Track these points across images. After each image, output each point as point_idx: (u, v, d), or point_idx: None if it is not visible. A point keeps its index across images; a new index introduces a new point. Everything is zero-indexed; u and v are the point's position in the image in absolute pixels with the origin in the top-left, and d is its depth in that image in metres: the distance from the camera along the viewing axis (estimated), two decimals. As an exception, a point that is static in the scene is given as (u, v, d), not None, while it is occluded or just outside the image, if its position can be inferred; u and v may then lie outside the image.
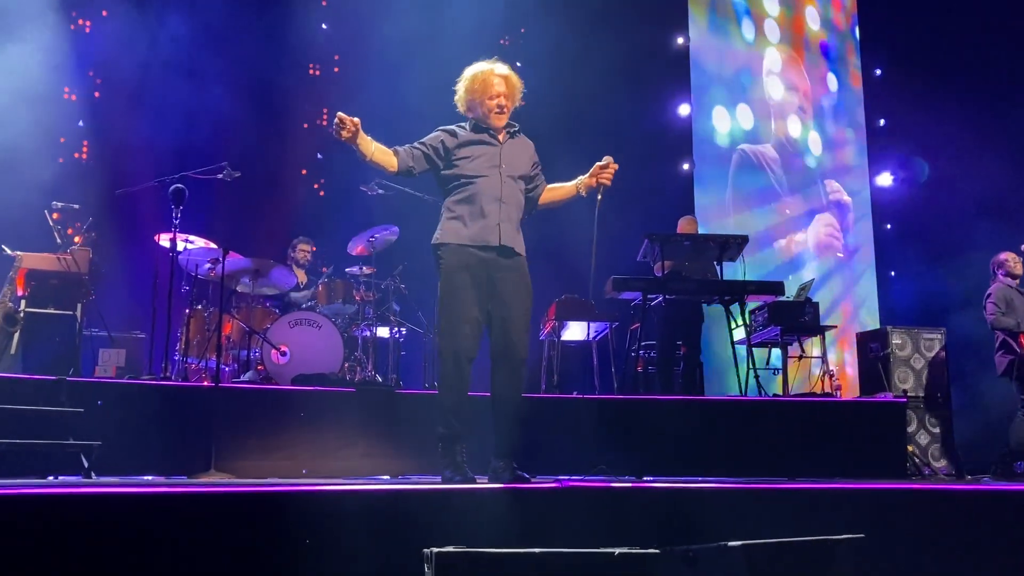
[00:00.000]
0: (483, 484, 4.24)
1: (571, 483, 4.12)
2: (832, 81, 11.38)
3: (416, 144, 4.29)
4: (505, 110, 4.27)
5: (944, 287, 9.56)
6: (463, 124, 4.36)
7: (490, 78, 4.26)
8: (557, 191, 4.47)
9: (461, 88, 4.32)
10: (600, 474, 4.96)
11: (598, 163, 4.37)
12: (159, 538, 3.38)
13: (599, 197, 4.38)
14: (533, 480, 4.31)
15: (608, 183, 4.35)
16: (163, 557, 3.36)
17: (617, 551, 3.03)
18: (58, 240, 6.47)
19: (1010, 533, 4.32)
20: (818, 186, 11.11)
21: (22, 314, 5.99)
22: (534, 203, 4.46)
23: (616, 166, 4.37)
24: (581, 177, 4.42)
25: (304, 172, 9.65)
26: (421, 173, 4.33)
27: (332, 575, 3.50)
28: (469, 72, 4.32)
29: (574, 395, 6.99)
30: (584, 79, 9.72)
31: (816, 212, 11.03)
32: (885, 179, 11.19)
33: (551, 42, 10.11)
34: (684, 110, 10.88)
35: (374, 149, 4.20)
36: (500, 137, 4.32)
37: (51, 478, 4.46)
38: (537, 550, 3.01)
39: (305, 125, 9.67)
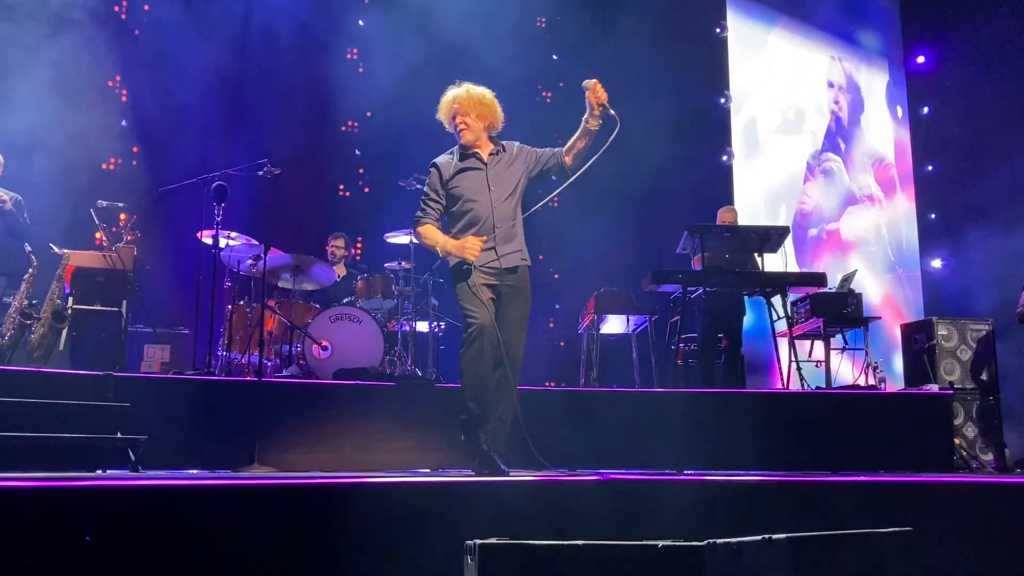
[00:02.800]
0: (520, 476, 4.24)
1: (612, 476, 4.11)
2: (877, 66, 11.19)
3: (427, 201, 4.53)
4: (468, 125, 4.44)
5: (993, 276, 9.37)
6: (452, 151, 4.57)
7: (448, 104, 4.48)
8: (576, 143, 4.55)
9: (443, 117, 4.56)
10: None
11: (585, 91, 4.43)
12: (205, 530, 3.43)
13: (612, 112, 4.44)
14: (574, 473, 4.30)
15: (603, 98, 4.40)
16: (208, 549, 3.40)
17: (661, 544, 3.01)
18: (103, 238, 6.58)
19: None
20: (859, 176, 10.95)
21: (69, 311, 6.10)
22: (568, 169, 4.57)
23: (594, 80, 4.42)
24: (584, 117, 4.45)
25: (346, 177, 9.69)
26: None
27: (374, 567, 3.52)
28: (440, 105, 4.54)
29: (614, 388, 6.97)
30: (619, 71, 9.66)
31: (856, 202, 10.87)
32: (930, 168, 11.00)
33: (585, 33, 10.08)
34: (722, 102, 10.78)
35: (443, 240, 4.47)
36: (485, 159, 4.49)
37: (99, 472, 4.53)
38: (580, 542, 3.00)
39: (350, 123, 9.69)
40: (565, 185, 4.63)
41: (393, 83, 9.20)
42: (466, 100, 4.45)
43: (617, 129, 4.37)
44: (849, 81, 11.10)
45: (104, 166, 8.45)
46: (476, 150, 4.50)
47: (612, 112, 4.39)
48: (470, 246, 4.33)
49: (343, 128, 9.68)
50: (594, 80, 4.40)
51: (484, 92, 4.53)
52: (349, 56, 9.73)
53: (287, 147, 8.41)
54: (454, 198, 4.48)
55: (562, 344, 10.09)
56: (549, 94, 10.49)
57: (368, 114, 9.69)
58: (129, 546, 3.30)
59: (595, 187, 9.78)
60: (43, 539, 3.19)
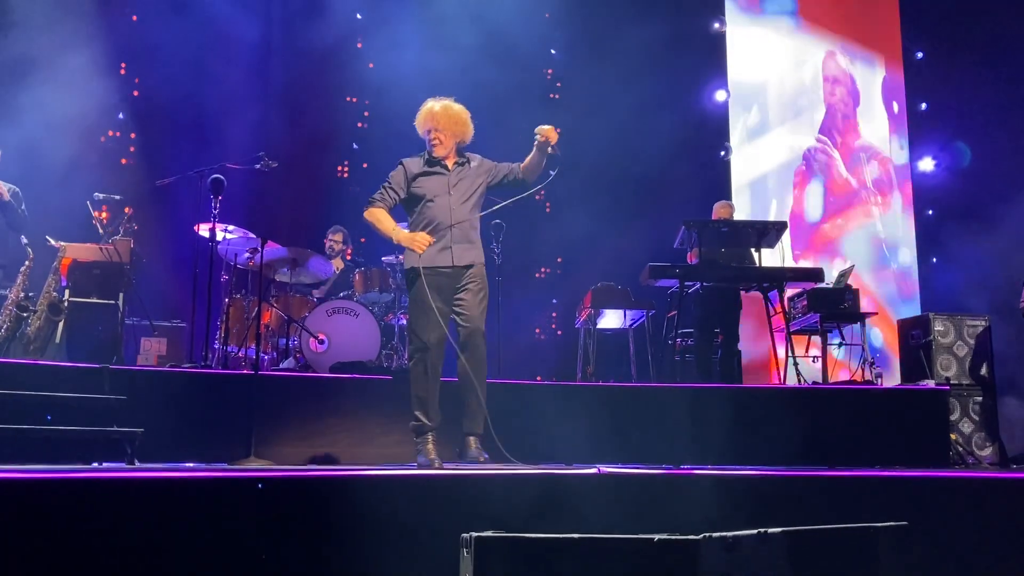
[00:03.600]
0: (521, 470, 4.25)
1: (609, 470, 4.11)
2: (874, 61, 11.16)
3: (386, 189, 4.84)
4: (441, 142, 4.75)
5: (988, 273, 9.37)
6: (422, 154, 4.85)
7: (425, 117, 4.79)
8: (529, 161, 4.89)
9: (419, 127, 4.84)
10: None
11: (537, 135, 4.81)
12: (201, 523, 3.43)
13: (558, 152, 4.84)
14: (571, 467, 4.31)
15: (553, 140, 4.78)
16: (205, 541, 3.40)
17: (657, 537, 3.01)
18: (100, 231, 6.57)
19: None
20: (858, 170, 10.93)
21: (66, 303, 6.09)
22: (522, 183, 4.93)
23: (548, 127, 4.80)
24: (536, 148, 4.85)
25: (344, 169, 9.68)
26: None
27: (371, 560, 3.53)
28: (422, 109, 4.83)
29: (611, 383, 6.98)
30: (618, 66, 9.68)
31: (852, 196, 10.85)
32: (927, 164, 10.98)
33: (583, 28, 10.08)
34: (720, 96, 10.77)
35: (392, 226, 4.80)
36: (449, 166, 4.80)
37: (95, 464, 4.53)
38: (576, 535, 3.00)
39: (347, 100, 9.66)
40: (518, 197, 4.98)
41: (393, 77, 9.19)
42: (443, 118, 4.75)
43: (557, 169, 4.92)
44: (846, 76, 11.08)
45: (101, 157, 8.42)
46: (444, 160, 4.80)
47: (558, 152, 4.85)
48: (420, 240, 4.63)
49: (342, 116, 9.65)
50: (549, 127, 4.79)
51: (460, 111, 4.83)
52: (351, 48, 9.71)
53: (285, 140, 8.40)
54: (416, 198, 4.77)
55: (560, 333, 10.10)
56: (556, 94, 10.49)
57: (366, 114, 9.68)
58: (126, 539, 3.30)
59: (592, 182, 9.88)
60: (39, 531, 3.19)
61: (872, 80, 11.16)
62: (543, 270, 10.17)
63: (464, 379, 4.73)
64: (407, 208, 4.89)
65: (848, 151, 10.96)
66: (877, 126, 11.09)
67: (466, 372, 4.70)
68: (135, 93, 8.79)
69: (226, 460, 5.16)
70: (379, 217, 4.77)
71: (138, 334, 6.92)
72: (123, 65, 8.71)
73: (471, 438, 4.70)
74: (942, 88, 10.77)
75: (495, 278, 7.01)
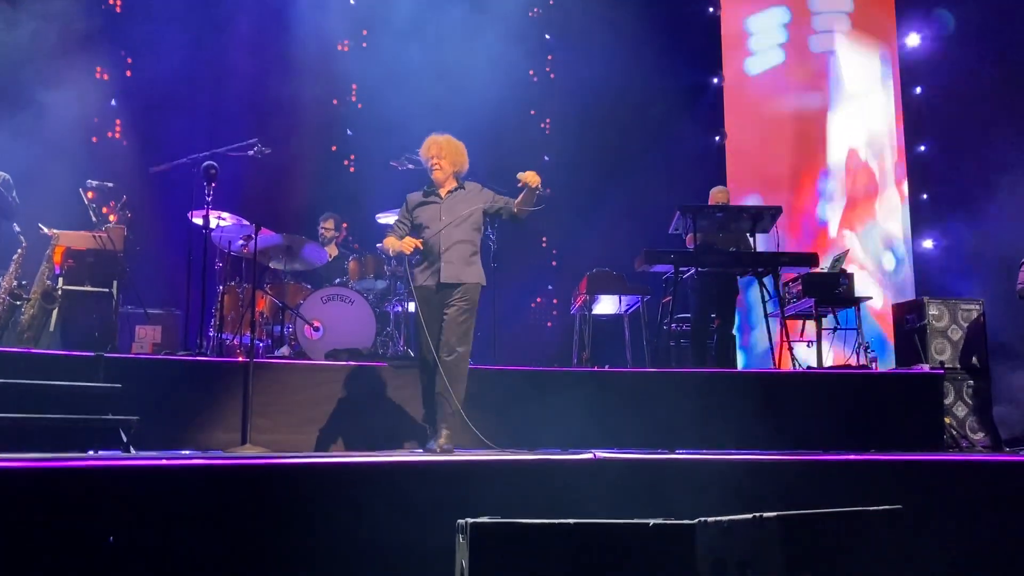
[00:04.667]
0: (515, 455, 4.26)
1: (604, 455, 4.12)
2: (870, 44, 11.11)
3: (396, 223, 5.43)
4: (441, 168, 5.28)
5: (983, 256, 9.38)
6: (424, 187, 5.39)
7: (430, 146, 5.34)
8: (521, 201, 5.30)
9: (422, 152, 5.38)
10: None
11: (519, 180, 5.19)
12: (197, 510, 3.43)
13: (545, 191, 5.24)
14: (567, 452, 4.32)
15: (537, 183, 5.14)
16: (201, 528, 3.41)
17: (652, 522, 3.02)
18: (93, 219, 6.53)
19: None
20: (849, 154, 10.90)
21: (60, 292, 6.07)
22: (516, 217, 5.37)
23: (531, 173, 5.14)
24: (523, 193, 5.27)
25: (334, 148, 9.65)
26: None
27: (366, 545, 3.54)
28: (425, 143, 5.37)
29: (606, 368, 6.98)
30: (614, 51, 9.65)
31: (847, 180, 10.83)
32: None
33: (580, 13, 10.04)
34: (716, 79, 10.74)
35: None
36: (443, 195, 5.30)
37: (91, 452, 4.52)
38: (571, 520, 3.01)
39: (335, 101, 9.65)
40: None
41: (387, 63, 9.16)
42: (446, 147, 5.32)
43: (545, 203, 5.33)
44: (841, 59, 11.03)
45: (95, 142, 8.38)
46: (440, 187, 5.32)
47: (545, 192, 5.25)
48: (404, 244, 5.16)
49: (335, 103, 9.61)
50: (531, 173, 5.13)
51: (459, 144, 5.39)
52: (342, 43, 9.68)
53: (278, 127, 8.35)
54: (416, 226, 5.30)
55: (550, 323, 10.10)
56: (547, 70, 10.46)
57: (354, 100, 9.64)
58: (123, 525, 3.31)
59: (587, 168, 9.87)
60: (37, 518, 3.19)
61: (867, 63, 11.09)
62: (543, 240, 10.16)
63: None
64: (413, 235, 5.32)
65: (842, 133, 10.90)
66: (872, 109, 11.02)
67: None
68: (128, 73, 8.73)
69: (222, 448, 5.17)
70: (387, 243, 5.33)
71: (132, 322, 6.89)
72: (124, 56, 8.66)
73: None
74: (938, 71, 10.73)
75: (490, 264, 7.00)
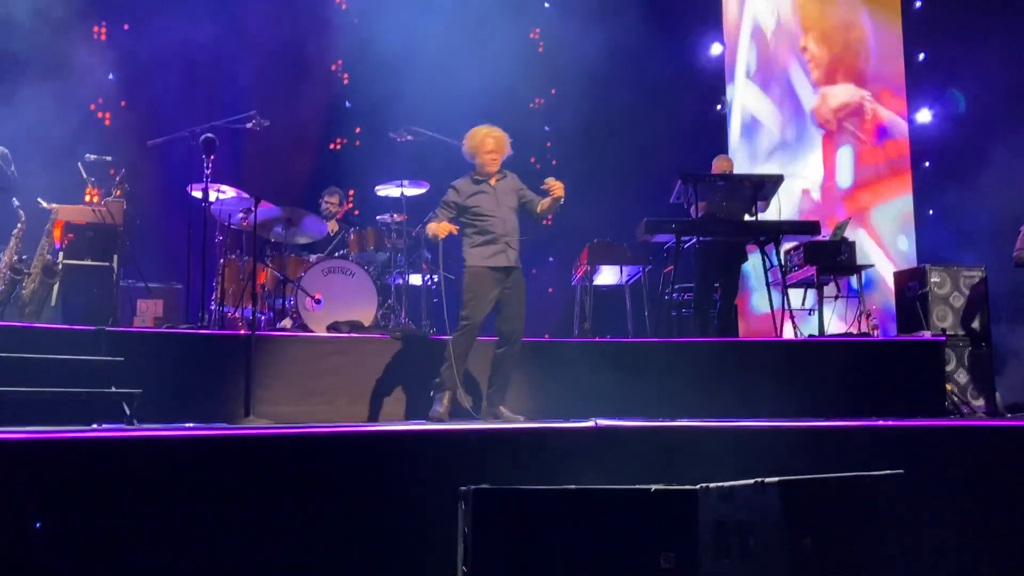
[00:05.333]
0: (517, 424, 4.27)
1: (606, 423, 4.13)
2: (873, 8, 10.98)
3: (441, 210, 5.51)
4: (496, 161, 5.50)
5: (985, 223, 9.35)
6: (467, 175, 5.53)
7: (485, 140, 5.49)
8: (546, 205, 5.54)
9: (468, 149, 5.53)
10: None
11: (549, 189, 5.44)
12: (201, 480, 3.45)
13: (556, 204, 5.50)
14: (568, 421, 4.33)
15: (556, 193, 5.41)
16: (206, 499, 3.42)
17: (654, 488, 3.03)
18: (91, 198, 6.51)
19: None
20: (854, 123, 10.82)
21: (60, 266, 6.06)
22: (534, 215, 5.61)
23: (560, 184, 5.42)
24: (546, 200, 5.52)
25: (336, 130, 9.59)
26: None
27: (370, 514, 3.55)
28: (468, 136, 5.54)
29: (607, 339, 6.98)
30: (614, 24, 9.57)
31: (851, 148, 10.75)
32: (924, 115, 10.87)
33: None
34: (716, 49, 10.66)
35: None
36: (492, 182, 5.50)
37: (95, 425, 4.54)
38: (573, 487, 3.02)
39: (333, 67, 9.56)
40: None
41: (385, 34, 9.08)
42: (501, 141, 5.52)
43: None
44: (844, 24, 10.91)
45: (92, 117, 8.34)
46: (488, 176, 5.50)
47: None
48: (442, 231, 5.35)
49: (332, 68, 9.54)
50: (559, 185, 5.40)
51: (507, 136, 5.59)
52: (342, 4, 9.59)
53: (276, 99, 8.31)
54: (473, 214, 5.44)
55: (551, 289, 10.10)
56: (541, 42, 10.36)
57: (342, 75, 9.57)
58: (127, 497, 3.32)
59: (588, 137, 9.81)
60: (41, 490, 3.21)
61: (871, 26, 10.98)
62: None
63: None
64: (465, 222, 5.48)
65: (845, 100, 10.81)
66: (878, 74, 10.92)
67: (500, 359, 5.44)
68: (124, 51, 8.67)
69: (225, 420, 5.18)
70: (431, 228, 5.42)
71: (134, 296, 6.89)
72: (122, 28, 8.59)
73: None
74: (941, 37, 10.62)
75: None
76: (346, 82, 9.61)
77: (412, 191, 7.26)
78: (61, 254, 6.14)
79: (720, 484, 3.16)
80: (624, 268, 7.96)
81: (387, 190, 7.35)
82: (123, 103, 8.61)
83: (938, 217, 10.56)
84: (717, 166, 7.75)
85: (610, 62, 9.69)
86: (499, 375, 5.47)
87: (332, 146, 9.48)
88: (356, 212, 8.14)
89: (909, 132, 10.82)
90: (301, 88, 8.97)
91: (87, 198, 6.50)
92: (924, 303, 7.46)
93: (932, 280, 7.51)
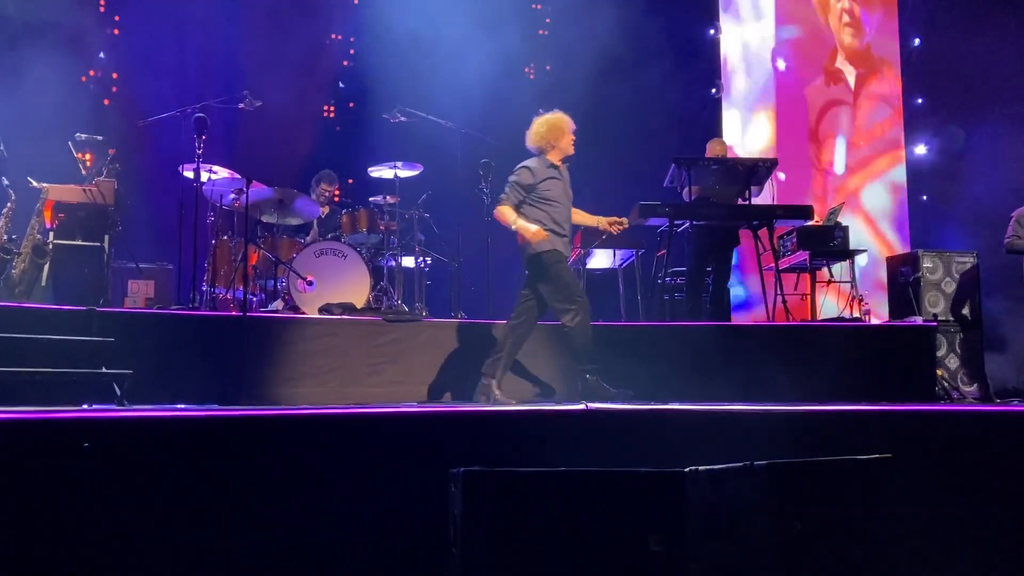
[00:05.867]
0: (507, 407, 4.27)
1: (596, 407, 4.13)
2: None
3: (514, 191, 5.48)
4: (571, 147, 5.63)
5: (978, 209, 9.37)
6: (538, 159, 5.53)
7: (568, 127, 5.60)
8: (588, 222, 5.82)
9: (550, 134, 5.53)
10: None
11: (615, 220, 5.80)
12: (192, 461, 3.45)
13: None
14: (559, 404, 4.34)
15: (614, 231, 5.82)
16: (196, 479, 3.42)
17: (643, 470, 3.04)
18: (83, 172, 6.47)
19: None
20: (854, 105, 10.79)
21: (50, 246, 6.02)
22: (576, 220, 5.75)
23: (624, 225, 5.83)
24: (601, 218, 5.79)
25: (328, 107, 9.53)
26: None
27: (362, 495, 3.56)
28: (549, 120, 5.58)
29: (600, 322, 6.98)
30: (612, 4, 9.53)
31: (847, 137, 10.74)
32: (920, 149, 10.84)
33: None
34: (713, 32, 10.62)
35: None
36: (563, 172, 5.61)
37: (85, 406, 4.52)
38: (564, 469, 3.03)
39: (332, 38, 9.49)
40: None
41: (382, 13, 9.03)
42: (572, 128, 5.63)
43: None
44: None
45: (84, 96, 8.28)
46: (559, 164, 5.57)
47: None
48: (541, 234, 5.36)
49: (328, 41, 9.48)
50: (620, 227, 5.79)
51: None
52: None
53: (269, 79, 8.25)
54: (543, 199, 5.45)
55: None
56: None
57: (351, 52, 9.52)
58: (118, 478, 3.32)
59: (582, 120, 9.75)
60: (31, 471, 3.20)
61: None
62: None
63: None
64: (532, 205, 5.45)
65: (844, 81, 10.79)
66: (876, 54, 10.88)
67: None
68: (115, 32, 8.60)
69: (216, 401, 5.17)
70: (506, 212, 5.43)
71: (124, 276, 6.86)
72: (102, 3, 8.52)
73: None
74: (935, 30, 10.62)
75: (485, 219, 6.98)
76: (345, 63, 9.54)
77: (405, 173, 7.24)
78: (52, 234, 6.09)
79: (709, 467, 3.17)
80: (617, 252, 7.96)
81: (380, 171, 7.33)
82: (114, 84, 8.53)
83: (932, 202, 10.60)
84: (711, 150, 7.73)
85: (605, 44, 9.65)
86: (509, 352, 5.45)
87: (325, 126, 9.42)
88: (338, 199, 8.10)
89: (904, 116, 10.82)
90: (294, 68, 8.90)
91: (82, 169, 6.45)
92: (916, 289, 7.49)
93: (925, 266, 7.53)
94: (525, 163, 5.52)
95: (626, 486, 3.03)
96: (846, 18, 10.75)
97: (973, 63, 9.92)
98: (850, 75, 10.70)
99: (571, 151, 5.60)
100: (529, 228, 5.33)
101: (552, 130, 5.54)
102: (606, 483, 3.03)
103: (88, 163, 6.44)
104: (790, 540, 3.07)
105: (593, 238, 7.34)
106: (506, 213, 5.42)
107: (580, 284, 5.48)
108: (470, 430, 3.82)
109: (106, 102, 8.46)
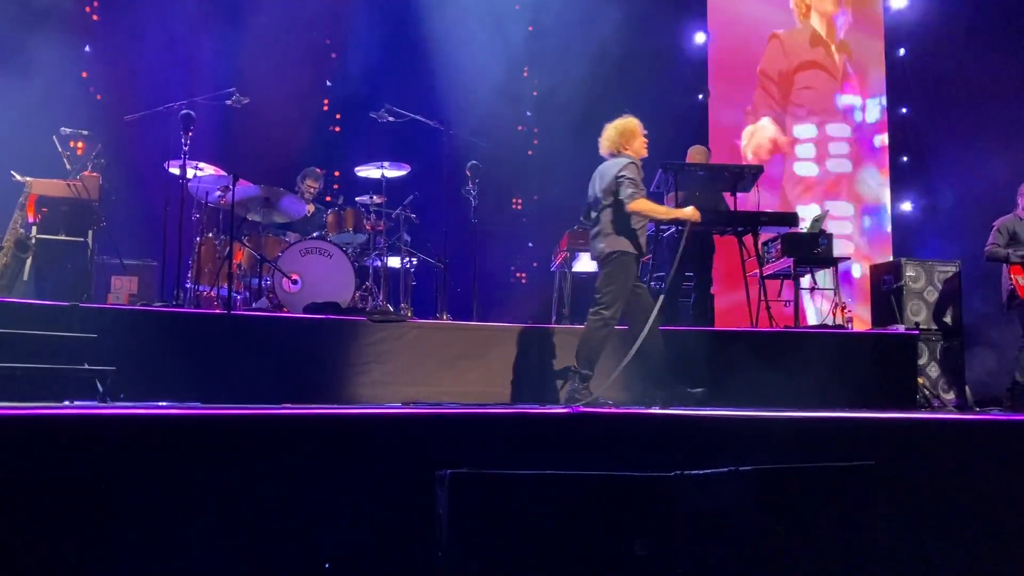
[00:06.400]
0: (495, 409, 4.27)
1: (583, 409, 4.14)
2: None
3: (638, 184, 5.54)
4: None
5: (962, 218, 9.45)
6: (628, 159, 5.58)
7: (638, 128, 5.75)
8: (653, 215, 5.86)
9: (621, 137, 5.66)
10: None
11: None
12: (174, 460, 3.42)
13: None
14: (545, 407, 4.34)
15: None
16: (178, 478, 3.40)
17: (629, 474, 3.05)
18: (68, 167, 6.42)
19: (1019, 462, 4.34)
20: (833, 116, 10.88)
21: (34, 240, 5.97)
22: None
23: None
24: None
25: (325, 103, 9.49)
26: None
27: (347, 496, 3.54)
28: (620, 125, 5.73)
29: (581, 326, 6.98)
30: (600, 8, 9.56)
31: (831, 141, 10.81)
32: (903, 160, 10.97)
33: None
34: (700, 38, 10.66)
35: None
36: None
37: (67, 402, 4.48)
38: (551, 472, 3.03)
39: (321, 37, 9.48)
40: None
41: (367, 14, 9.02)
42: None
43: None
44: (824, 18, 10.96)
45: (70, 89, 8.20)
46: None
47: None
48: (698, 215, 5.64)
49: (316, 39, 9.45)
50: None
51: None
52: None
53: (257, 76, 8.21)
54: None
55: (523, 279, 10.11)
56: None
57: (325, 53, 9.50)
58: (99, 475, 3.29)
59: (570, 123, 9.78)
60: (11, 466, 3.17)
61: (851, 24, 11.06)
62: (516, 202, 10.11)
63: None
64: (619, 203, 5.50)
65: (823, 95, 10.89)
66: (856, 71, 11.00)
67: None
68: (95, 18, 8.53)
69: (199, 399, 5.13)
70: (649, 204, 5.55)
71: (108, 272, 6.82)
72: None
73: None
74: (921, 34, 10.71)
75: (472, 220, 6.98)
76: (333, 56, 9.50)
77: (392, 173, 7.22)
78: (34, 228, 6.05)
79: (695, 472, 3.18)
80: (603, 255, 7.94)
81: (367, 171, 7.31)
82: (101, 78, 8.46)
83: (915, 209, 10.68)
84: (692, 157, 7.76)
85: (595, 48, 9.68)
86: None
87: (312, 125, 9.38)
88: (328, 198, 8.08)
89: (889, 122, 10.90)
90: (282, 66, 8.86)
91: (67, 163, 6.39)
92: (899, 297, 7.54)
93: (907, 274, 7.59)
94: (623, 161, 5.57)
95: (613, 490, 3.04)
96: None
97: (957, 75, 10.03)
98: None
99: (644, 153, 5.71)
100: (684, 211, 5.57)
101: (624, 134, 5.65)
102: (592, 487, 3.04)
103: (79, 152, 6.37)
104: (774, 545, 3.09)
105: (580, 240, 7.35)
106: (652, 207, 5.56)
107: (622, 305, 5.48)
108: (456, 431, 3.81)
109: (98, 96, 8.38)
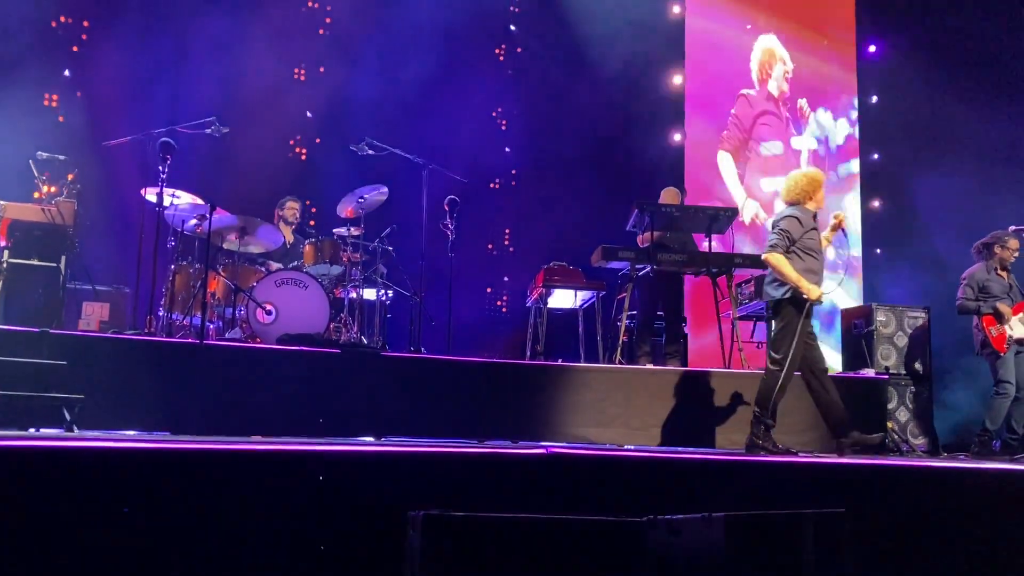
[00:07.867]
0: (469, 448, 4.25)
1: (556, 449, 4.13)
2: (827, 52, 11.29)
3: (786, 239, 5.56)
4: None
5: (931, 265, 9.59)
6: (802, 210, 5.63)
7: (822, 179, 5.80)
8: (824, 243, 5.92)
9: (809, 186, 5.68)
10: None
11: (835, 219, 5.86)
12: (141, 492, 3.37)
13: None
14: (517, 446, 4.33)
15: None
16: (144, 511, 3.35)
17: (601, 519, 3.04)
18: (37, 195, 6.37)
19: (985, 509, 4.38)
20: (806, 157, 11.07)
21: (5, 265, 5.91)
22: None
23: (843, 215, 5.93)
24: (828, 233, 5.86)
25: (294, 141, 9.50)
26: None
27: (315, 534, 3.50)
28: (808, 175, 5.77)
29: (559, 363, 7.00)
30: (577, 50, 9.69)
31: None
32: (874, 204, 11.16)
33: (545, 11, 10.05)
34: (678, 79, 10.81)
35: None
36: (817, 222, 5.70)
37: (32, 430, 4.42)
38: (523, 515, 3.02)
39: (298, 73, 9.52)
40: None
41: (351, 45, 9.06)
42: None
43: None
44: (798, 64, 11.19)
45: (46, 114, 8.17)
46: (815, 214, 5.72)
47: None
48: (819, 294, 5.51)
49: (295, 75, 9.48)
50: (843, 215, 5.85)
51: None
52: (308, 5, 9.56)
53: (237, 106, 8.22)
54: (804, 249, 5.57)
55: (504, 310, 10.12)
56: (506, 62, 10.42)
57: (305, 84, 9.54)
58: (63, 507, 3.24)
59: (550, 162, 9.88)
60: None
61: (825, 71, 11.28)
62: (490, 248, 10.13)
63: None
64: (792, 249, 5.56)
65: (799, 136, 11.07)
66: (829, 117, 11.21)
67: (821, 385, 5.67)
68: (75, 49, 8.51)
69: (169, 430, 5.08)
70: (783, 261, 5.52)
71: (80, 298, 6.75)
72: (80, 26, 8.44)
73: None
74: (896, 80, 10.93)
75: (448, 255, 6.99)
76: (314, 88, 9.52)
77: (371, 196, 7.19)
78: (6, 252, 5.99)
79: (667, 517, 3.18)
80: (578, 292, 7.99)
81: (346, 205, 7.31)
82: (78, 103, 8.42)
83: (885, 256, 10.83)
84: (664, 197, 7.84)
85: (572, 87, 9.79)
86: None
87: (292, 155, 9.40)
88: (307, 227, 8.06)
89: (860, 169, 11.09)
90: (262, 97, 8.87)
91: (37, 195, 6.36)
92: (869, 341, 7.62)
93: (878, 319, 7.68)
94: (790, 212, 5.63)
95: (584, 534, 3.03)
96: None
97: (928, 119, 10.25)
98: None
99: (823, 205, 5.76)
100: (806, 284, 5.45)
101: (811, 183, 5.69)
102: (565, 530, 3.03)
103: (48, 190, 6.34)
104: (745, 591, 3.08)
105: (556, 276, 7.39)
106: (783, 264, 5.51)
107: (798, 352, 5.47)
108: (430, 471, 3.79)
109: (69, 122, 8.34)
